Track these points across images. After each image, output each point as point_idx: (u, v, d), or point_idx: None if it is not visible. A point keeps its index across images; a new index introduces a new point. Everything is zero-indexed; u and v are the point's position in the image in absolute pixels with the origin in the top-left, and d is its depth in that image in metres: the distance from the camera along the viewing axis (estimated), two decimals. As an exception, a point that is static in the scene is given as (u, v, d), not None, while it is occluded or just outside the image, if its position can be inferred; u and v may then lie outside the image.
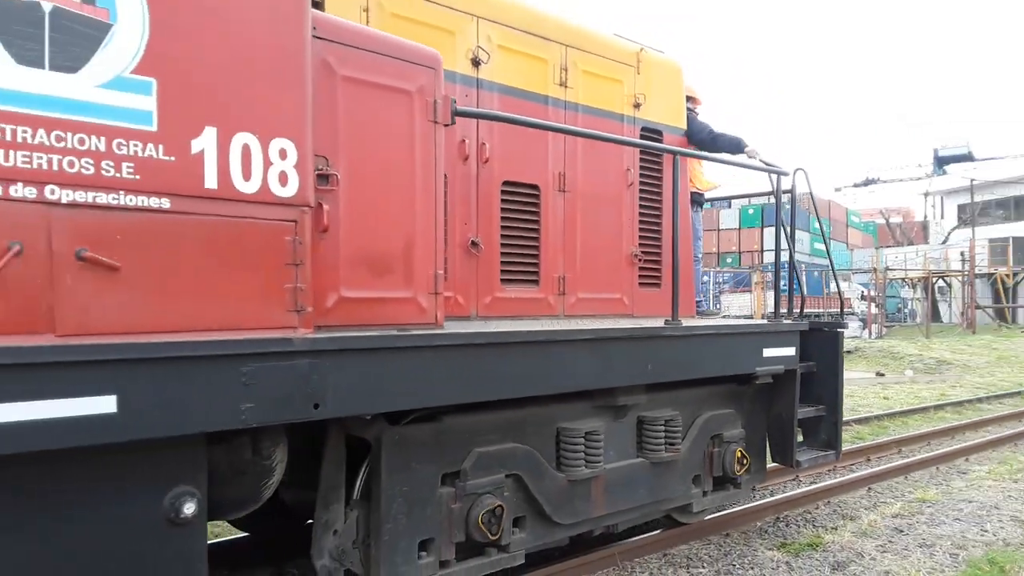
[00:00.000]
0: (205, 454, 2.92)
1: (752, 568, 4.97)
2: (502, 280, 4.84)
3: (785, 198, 5.73)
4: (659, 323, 4.75)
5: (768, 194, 5.97)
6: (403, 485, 3.62)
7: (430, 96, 3.50)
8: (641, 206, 5.71)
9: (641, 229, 5.71)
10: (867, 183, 55.83)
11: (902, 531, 5.76)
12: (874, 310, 32.46)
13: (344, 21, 3.24)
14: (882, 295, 33.34)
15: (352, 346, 3.07)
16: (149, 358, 2.53)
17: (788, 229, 5.75)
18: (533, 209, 5.01)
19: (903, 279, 35.51)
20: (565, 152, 5.17)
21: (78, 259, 2.43)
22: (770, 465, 5.96)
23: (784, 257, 5.69)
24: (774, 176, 5.64)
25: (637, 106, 5.68)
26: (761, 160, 5.93)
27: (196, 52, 2.66)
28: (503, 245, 4.82)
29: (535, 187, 5.01)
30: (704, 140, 6.19)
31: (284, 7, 2.86)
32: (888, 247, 43.20)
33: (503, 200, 4.83)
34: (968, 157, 46.06)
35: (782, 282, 5.95)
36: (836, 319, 6.51)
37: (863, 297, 33.64)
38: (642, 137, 5.72)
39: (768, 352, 5.32)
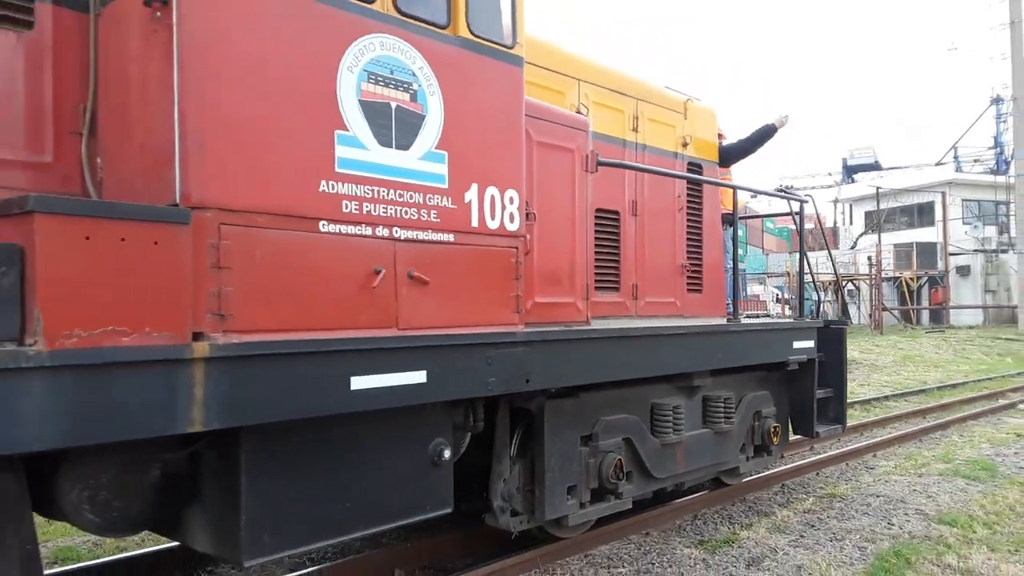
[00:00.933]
0: (451, 417, 4.06)
1: (671, 566, 5.03)
2: (596, 287, 6.05)
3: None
4: (716, 322, 6.02)
5: (784, 215, 7.32)
6: (557, 444, 4.79)
7: (584, 152, 4.71)
8: (688, 225, 6.98)
9: (688, 244, 6.98)
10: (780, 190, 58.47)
11: (813, 526, 5.88)
12: (788, 312, 34.33)
13: (535, 101, 4.42)
14: (795, 298, 35.20)
15: (549, 338, 4.25)
16: (442, 345, 3.67)
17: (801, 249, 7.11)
18: (615, 230, 6.22)
19: (814, 282, 37.13)
20: (636, 184, 6.41)
21: (409, 277, 3.56)
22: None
23: (802, 267, 7.04)
24: (795, 203, 6.99)
25: (685, 145, 6.96)
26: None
27: (467, 133, 3.81)
28: (596, 259, 6.03)
29: (616, 212, 6.23)
30: (740, 151, 7.53)
31: (513, 100, 4.03)
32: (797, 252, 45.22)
33: (596, 224, 6.04)
34: (875, 166, 48.75)
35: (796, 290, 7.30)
36: (842, 318, 7.77)
37: (778, 300, 35.28)
38: (688, 170, 7.00)
39: (796, 344, 6.65)
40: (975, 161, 45.94)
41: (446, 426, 4.01)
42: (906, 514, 6.21)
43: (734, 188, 7.08)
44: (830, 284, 35.81)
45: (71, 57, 3.24)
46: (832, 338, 7.25)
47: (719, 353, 5.75)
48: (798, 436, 7.35)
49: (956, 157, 45.27)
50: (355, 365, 3.29)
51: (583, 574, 4.91)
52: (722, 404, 6.08)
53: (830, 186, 54.12)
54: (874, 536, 5.64)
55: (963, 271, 35.65)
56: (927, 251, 35.76)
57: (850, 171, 50.72)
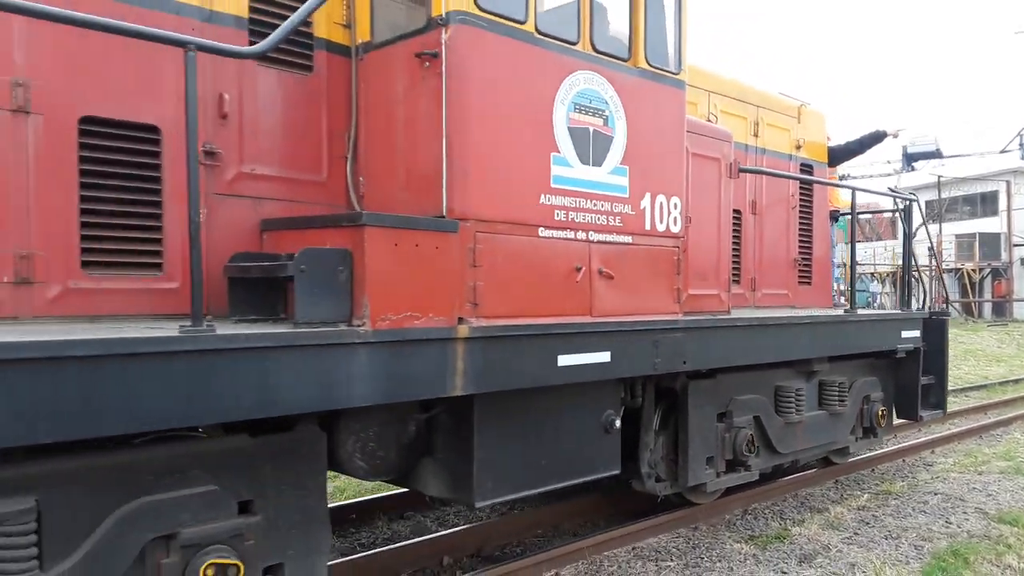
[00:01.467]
0: (618, 392, 4.76)
1: (720, 560, 4.97)
2: (723, 281, 6.66)
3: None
4: (823, 312, 6.57)
5: (893, 211, 7.77)
6: (698, 419, 5.44)
7: (728, 160, 5.33)
8: (800, 222, 7.52)
9: (800, 240, 7.52)
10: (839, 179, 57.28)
11: (868, 523, 5.79)
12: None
13: (689, 116, 5.06)
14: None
15: (702, 325, 4.91)
16: (623, 331, 4.37)
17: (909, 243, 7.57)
18: (738, 228, 6.82)
19: (872, 274, 36.43)
20: (755, 185, 6.98)
21: (599, 273, 4.26)
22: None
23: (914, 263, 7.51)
24: (903, 201, 7.46)
25: (798, 147, 7.49)
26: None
27: (643, 149, 4.49)
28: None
29: (739, 211, 6.82)
30: (847, 153, 8.02)
31: (678, 118, 4.69)
32: (857, 242, 44.35)
33: (722, 223, 6.64)
34: (936, 154, 47.34)
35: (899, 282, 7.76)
36: (945, 309, 8.08)
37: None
38: (800, 171, 7.53)
39: (904, 334, 7.13)
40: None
41: (615, 400, 4.71)
42: (965, 513, 6.08)
43: (851, 189, 7.58)
44: (887, 276, 35.16)
45: (339, 94, 4.03)
46: (935, 328, 7.69)
47: (837, 341, 6.31)
48: (901, 420, 7.84)
49: (1022, 145, 43.64)
50: (562, 345, 4.01)
51: (631, 567, 4.84)
52: (836, 388, 6.64)
53: (889, 175, 52.82)
54: (931, 535, 5.52)
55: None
56: (990, 242, 34.72)
57: (910, 159, 49.34)
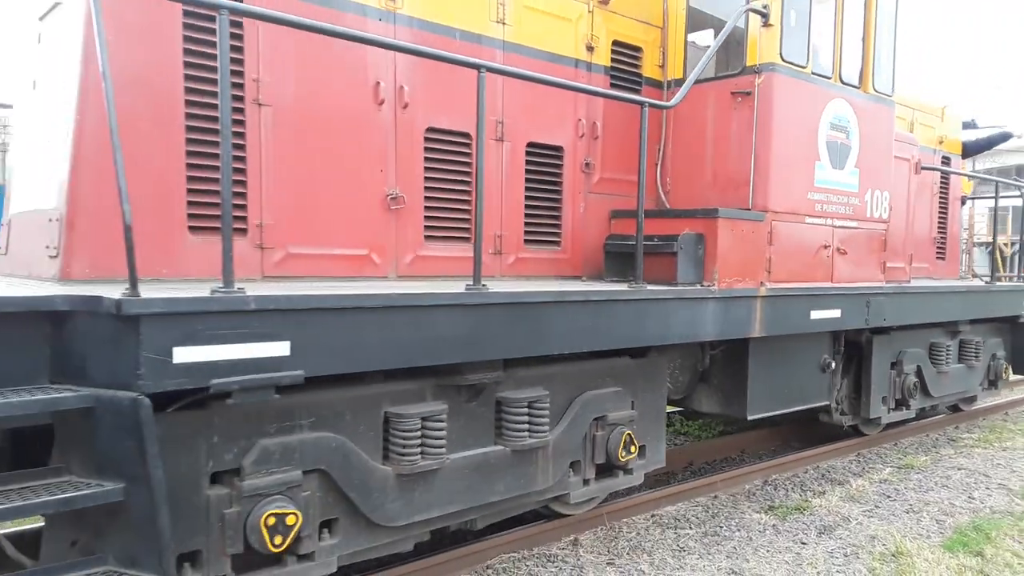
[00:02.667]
0: (831, 342, 6.21)
1: (740, 530, 4.91)
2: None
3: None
4: (953, 283, 7.90)
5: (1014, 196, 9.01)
6: (878, 366, 6.86)
7: (915, 160, 6.70)
8: (939, 206, 8.82)
9: (938, 221, 8.82)
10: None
11: (889, 496, 5.72)
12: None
13: (904, 133, 6.40)
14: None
15: (898, 291, 6.31)
16: (849, 294, 5.80)
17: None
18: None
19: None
20: (909, 180, 8.29)
21: (838, 251, 5.70)
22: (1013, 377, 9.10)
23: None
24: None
25: (940, 143, 8.76)
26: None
27: (868, 153, 5.88)
28: (882, 234, 8.01)
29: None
30: (978, 148, 9.25)
31: (889, 128, 6.07)
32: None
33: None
34: (970, 125, 46.53)
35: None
36: None
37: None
38: (941, 162, 8.81)
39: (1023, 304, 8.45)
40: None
41: (830, 348, 6.17)
42: (988, 488, 6.02)
43: (996, 181, 8.82)
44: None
45: (655, 117, 5.48)
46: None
47: (979, 307, 7.66)
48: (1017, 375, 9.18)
49: None
50: (815, 303, 5.47)
51: (649, 533, 4.79)
52: (974, 346, 8.00)
53: (917, 144, 52.02)
54: (953, 509, 5.46)
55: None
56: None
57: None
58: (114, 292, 2.67)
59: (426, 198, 4.34)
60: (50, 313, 2.72)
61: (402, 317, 3.28)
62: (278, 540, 3.09)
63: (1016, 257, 34.71)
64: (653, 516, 5.07)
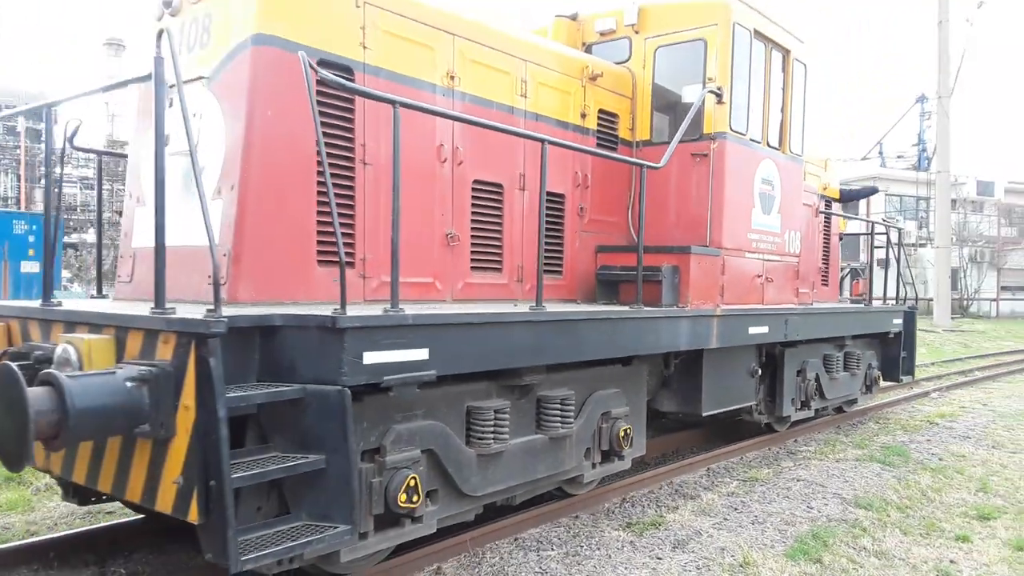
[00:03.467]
0: (757, 352, 7.67)
1: (599, 548, 5.04)
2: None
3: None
4: (833, 305, 9.69)
5: (880, 234, 11.01)
6: (789, 373, 8.41)
7: (816, 205, 8.33)
8: (823, 241, 10.64)
9: (823, 253, 10.64)
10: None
11: (736, 509, 5.95)
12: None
13: (807, 184, 8.01)
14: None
15: (807, 312, 7.87)
16: (775, 314, 7.27)
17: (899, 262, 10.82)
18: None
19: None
20: (810, 221, 10.03)
21: (766, 279, 7.16)
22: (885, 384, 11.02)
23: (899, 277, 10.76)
24: (894, 231, 10.70)
25: (824, 189, 10.61)
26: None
27: (787, 201, 7.41)
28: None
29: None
30: (849, 196, 11.19)
31: (800, 181, 7.65)
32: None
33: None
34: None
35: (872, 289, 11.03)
36: (914, 305, 11.15)
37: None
38: (824, 207, 10.65)
39: (894, 321, 10.36)
40: (899, 157, 47.95)
41: (756, 359, 7.62)
42: (824, 498, 6.31)
43: (869, 222, 10.71)
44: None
45: (627, 169, 6.74)
46: (908, 318, 10.98)
47: (861, 324, 9.43)
48: (886, 382, 11.10)
49: (881, 153, 46.41)
50: (752, 321, 6.88)
51: (512, 557, 4.85)
52: (856, 357, 9.78)
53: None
54: (794, 519, 5.72)
55: (883, 264, 38.90)
56: (850, 244, 39.11)
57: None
58: (282, 311, 3.57)
59: (472, 236, 5.37)
60: (263, 328, 3.57)
61: (495, 332, 4.31)
62: (408, 503, 4.01)
63: (843, 282, 39.79)
64: (516, 539, 5.13)
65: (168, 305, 3.39)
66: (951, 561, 5.04)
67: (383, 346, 3.67)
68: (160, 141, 3.32)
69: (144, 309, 3.52)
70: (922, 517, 5.94)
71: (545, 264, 5.96)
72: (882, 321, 10.09)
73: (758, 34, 6.81)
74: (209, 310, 3.18)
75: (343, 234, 4.15)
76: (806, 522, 5.66)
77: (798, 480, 6.87)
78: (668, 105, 6.90)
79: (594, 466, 5.65)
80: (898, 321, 10.48)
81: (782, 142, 7.39)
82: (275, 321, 3.55)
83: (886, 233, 11.11)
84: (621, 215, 6.79)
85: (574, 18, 7.25)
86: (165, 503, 3.29)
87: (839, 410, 10.54)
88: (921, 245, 38.62)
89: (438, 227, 5.12)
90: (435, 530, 4.39)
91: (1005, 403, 11.94)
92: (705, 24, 6.46)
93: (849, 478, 6.99)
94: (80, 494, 4.61)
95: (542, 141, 4.67)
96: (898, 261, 10.71)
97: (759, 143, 6.97)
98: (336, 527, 3.53)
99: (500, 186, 5.52)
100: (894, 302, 11.09)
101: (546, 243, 5.97)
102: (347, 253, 4.46)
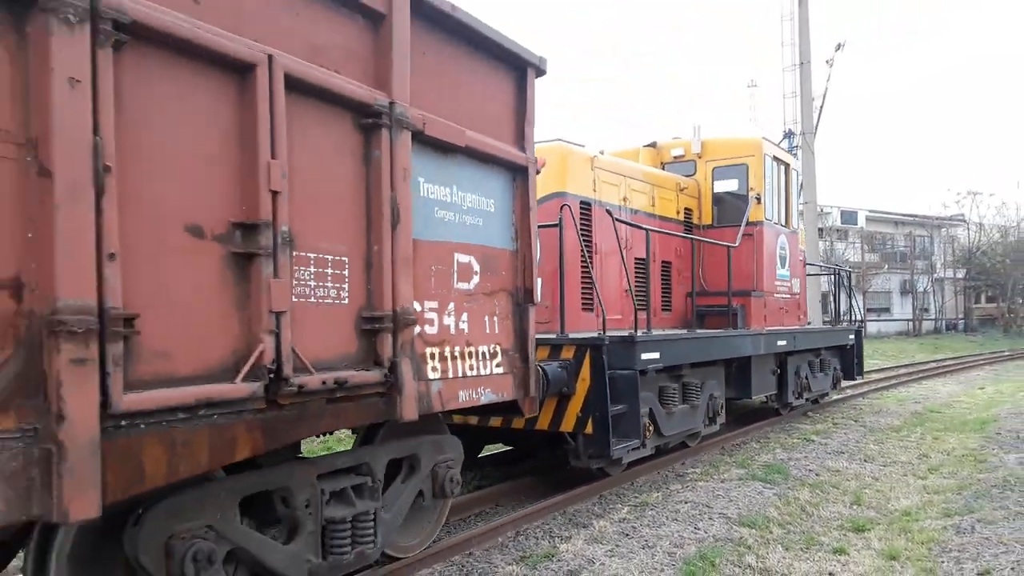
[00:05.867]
0: (777, 357, 11.66)
1: None
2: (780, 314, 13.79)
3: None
4: (826, 326, 13.83)
5: (831, 273, 15.30)
6: (791, 371, 12.40)
7: (802, 257, 12.47)
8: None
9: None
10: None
11: (628, 535, 5.94)
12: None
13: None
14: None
15: (805, 331, 11.90)
16: (791, 332, 11.26)
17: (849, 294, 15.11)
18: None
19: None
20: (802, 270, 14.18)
21: (781, 309, 11.15)
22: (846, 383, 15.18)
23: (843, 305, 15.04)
24: (844, 273, 14.99)
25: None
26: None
27: (792, 260, 11.46)
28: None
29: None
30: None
31: (798, 245, 11.74)
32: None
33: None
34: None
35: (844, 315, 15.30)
36: (861, 321, 15.48)
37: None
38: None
39: (850, 337, 14.55)
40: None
41: (776, 362, 11.55)
42: (711, 518, 6.37)
43: (835, 268, 14.91)
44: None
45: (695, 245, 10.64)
46: (857, 334, 15.21)
47: (831, 339, 13.56)
48: (847, 381, 15.27)
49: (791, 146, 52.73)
50: (778, 337, 10.83)
51: None
52: (827, 361, 13.88)
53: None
54: (682, 541, 5.75)
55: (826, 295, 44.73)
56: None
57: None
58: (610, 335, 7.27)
59: (636, 290, 9.13)
60: (588, 345, 7.19)
61: (679, 343, 8.06)
62: (647, 432, 7.66)
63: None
64: None
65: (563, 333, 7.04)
66: (830, 574, 5.16)
67: (646, 350, 7.36)
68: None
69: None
70: (802, 532, 6.10)
71: (664, 305, 9.81)
72: (842, 336, 14.27)
73: (775, 158, 10.91)
74: (599, 335, 6.87)
75: (590, 291, 7.84)
76: (694, 543, 5.71)
77: (686, 502, 6.91)
78: (719, 201, 10.87)
79: (705, 426, 9.39)
80: (852, 336, 14.71)
81: (787, 221, 11.47)
82: (600, 342, 7.19)
83: (836, 274, 15.42)
84: (693, 271, 10.68)
85: (654, 146, 11.18)
86: (568, 426, 6.88)
87: (815, 401, 14.64)
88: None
89: (622, 288, 8.86)
90: (652, 452, 8.02)
91: (874, 419, 12.62)
92: (747, 154, 10.49)
93: (733, 497, 7.07)
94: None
95: (693, 230, 8.52)
96: (849, 294, 14.99)
97: (777, 224, 11.02)
98: (632, 441, 7.18)
99: (644, 260, 9.31)
100: (845, 323, 15.36)
101: (663, 292, 9.83)
102: (589, 304, 8.15)
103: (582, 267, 8.02)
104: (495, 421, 7.01)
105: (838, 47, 27.63)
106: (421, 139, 4.36)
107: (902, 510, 6.75)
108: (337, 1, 3.86)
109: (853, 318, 15.50)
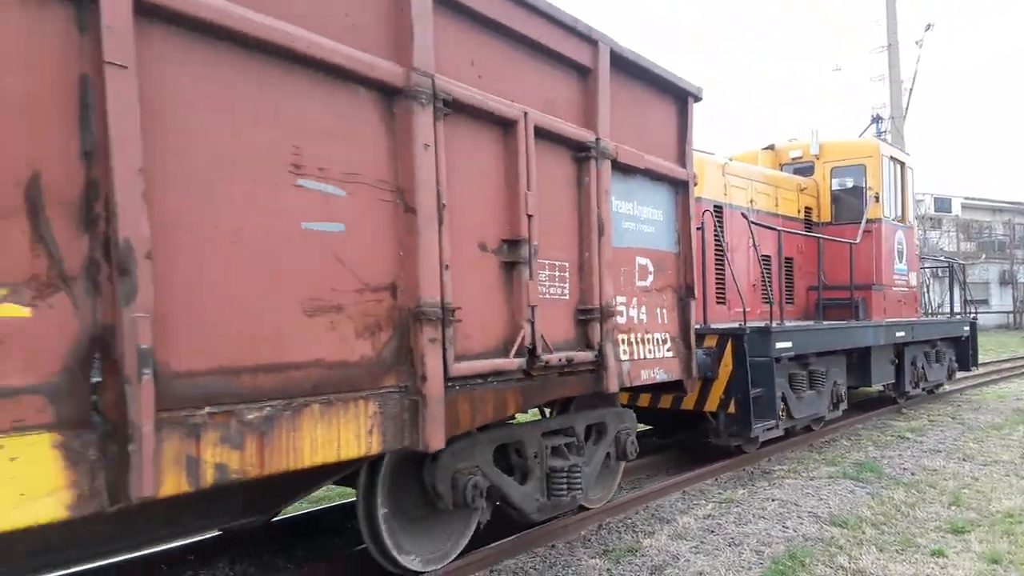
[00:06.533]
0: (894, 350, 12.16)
1: None
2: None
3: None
4: (943, 317, 14.15)
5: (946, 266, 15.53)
6: (909, 360, 12.86)
7: (915, 249, 12.89)
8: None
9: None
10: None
11: (713, 531, 5.91)
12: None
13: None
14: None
15: (920, 322, 12.37)
16: (909, 323, 11.77)
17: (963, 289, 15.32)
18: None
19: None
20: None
21: (903, 303, 11.68)
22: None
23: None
24: (958, 267, 15.22)
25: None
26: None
27: (908, 254, 11.96)
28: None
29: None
30: None
31: (914, 240, 12.21)
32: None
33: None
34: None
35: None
36: (975, 317, 15.71)
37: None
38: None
39: (964, 328, 14.78)
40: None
41: (894, 352, 12.05)
42: (799, 517, 6.28)
43: (951, 262, 15.20)
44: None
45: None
46: (972, 327, 15.39)
47: (946, 330, 13.88)
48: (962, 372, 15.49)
49: (879, 131, 50.92)
50: (897, 328, 11.37)
51: None
52: (944, 352, 14.20)
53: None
54: (770, 540, 5.68)
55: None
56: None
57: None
58: (753, 326, 8.13)
59: (762, 284, 9.92)
60: (730, 335, 8.06)
61: (807, 333, 8.83)
62: (781, 414, 8.47)
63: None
64: (492, 571, 5.12)
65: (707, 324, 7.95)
66: (928, 577, 4.99)
67: (780, 340, 8.19)
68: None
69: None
70: (897, 533, 5.91)
71: (788, 299, 10.56)
72: (958, 328, 14.55)
73: (892, 158, 11.46)
74: (739, 326, 7.76)
75: (722, 287, 8.71)
76: (782, 542, 5.62)
77: (773, 500, 6.80)
78: (837, 199, 11.49)
79: (829, 411, 10.09)
80: (966, 328, 14.94)
81: (904, 217, 11.98)
82: (746, 331, 8.06)
83: (951, 268, 15.65)
84: (814, 267, 11.33)
85: (772, 148, 11.89)
86: (711, 407, 7.80)
87: (931, 392, 14.96)
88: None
89: (749, 281, 9.67)
90: (783, 432, 8.83)
91: (972, 416, 12.09)
92: (864, 155, 11.09)
93: (823, 496, 6.96)
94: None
95: (818, 234, 9.27)
96: (963, 288, 15.22)
97: (895, 220, 11.55)
98: (769, 421, 8.03)
99: (769, 257, 10.08)
100: (959, 315, 15.59)
101: (786, 286, 10.58)
102: (722, 298, 9.02)
103: (716, 265, 8.89)
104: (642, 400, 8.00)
105: (928, 27, 26.77)
106: (614, 164, 5.39)
107: (1004, 511, 6.46)
108: (560, 62, 4.93)
109: (966, 311, 15.70)
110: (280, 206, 3.17)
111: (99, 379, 2.54)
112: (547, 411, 5.96)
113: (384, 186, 3.67)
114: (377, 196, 3.63)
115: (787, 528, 5.96)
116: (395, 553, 4.48)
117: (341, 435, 3.38)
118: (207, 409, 2.84)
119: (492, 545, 5.26)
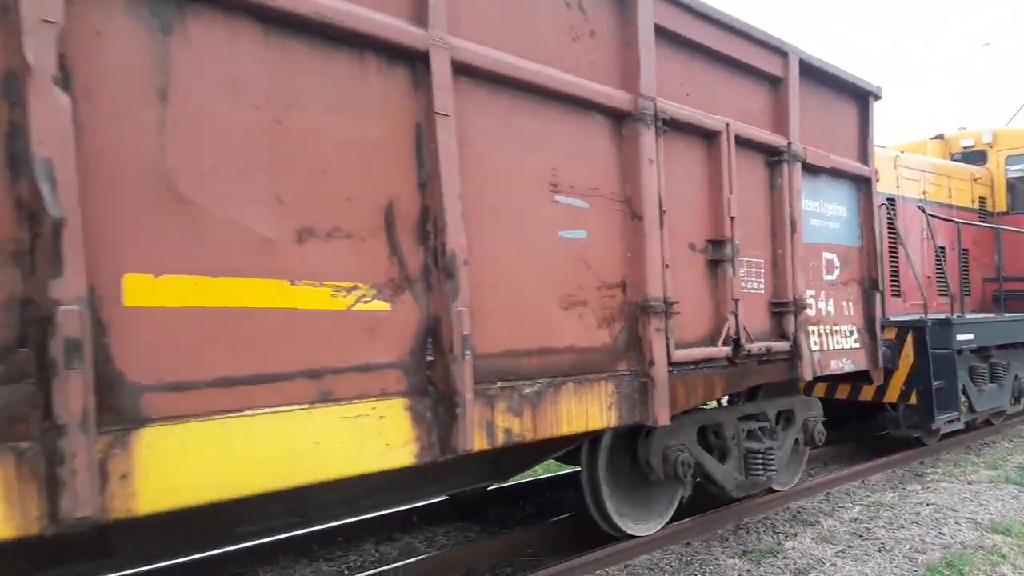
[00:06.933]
0: None
1: None
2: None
3: None
4: None
5: None
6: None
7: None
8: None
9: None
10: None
11: (861, 536, 5.69)
12: None
13: None
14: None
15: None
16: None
17: None
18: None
19: None
20: None
21: None
22: None
23: None
24: None
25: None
26: None
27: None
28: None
29: None
30: None
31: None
32: None
33: None
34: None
35: None
36: None
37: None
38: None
39: None
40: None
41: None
42: (957, 523, 5.99)
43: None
44: None
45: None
46: None
47: None
48: None
49: None
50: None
51: None
52: None
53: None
54: (924, 546, 5.42)
55: None
56: None
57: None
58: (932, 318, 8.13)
59: (938, 275, 9.79)
60: (910, 327, 8.10)
61: (991, 325, 8.69)
62: (962, 408, 8.41)
63: None
64: (627, 567, 5.08)
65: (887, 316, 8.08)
66: (1102, 591, 4.65)
67: (961, 332, 8.15)
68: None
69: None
70: None
71: (964, 290, 10.34)
72: None
73: (1078, 141, 10.92)
74: (920, 318, 7.83)
75: (897, 279, 8.70)
76: (938, 549, 5.35)
77: (927, 504, 6.49)
78: (1012, 188, 11.06)
79: (1011, 405, 9.81)
80: None
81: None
82: (928, 323, 8.08)
83: None
84: (990, 257, 10.98)
85: (941, 137, 11.60)
86: (891, 397, 7.91)
87: None
88: None
89: (924, 273, 9.58)
90: (964, 425, 8.73)
91: None
92: (1045, 141, 10.65)
93: (983, 501, 6.60)
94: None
95: (997, 227, 9.07)
96: None
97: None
98: (952, 412, 8.02)
99: (944, 248, 9.92)
100: None
101: (963, 278, 10.36)
102: (897, 290, 9.02)
103: (891, 258, 8.92)
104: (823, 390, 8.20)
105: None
106: (803, 166, 5.73)
107: None
108: (754, 74, 5.35)
109: None
110: (543, 219, 3.83)
111: (432, 358, 3.27)
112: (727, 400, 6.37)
113: (616, 197, 4.26)
114: (611, 206, 4.22)
115: (943, 535, 5.67)
116: (616, 518, 5.08)
117: (589, 409, 4.00)
118: (499, 384, 3.53)
119: (625, 543, 5.17)
